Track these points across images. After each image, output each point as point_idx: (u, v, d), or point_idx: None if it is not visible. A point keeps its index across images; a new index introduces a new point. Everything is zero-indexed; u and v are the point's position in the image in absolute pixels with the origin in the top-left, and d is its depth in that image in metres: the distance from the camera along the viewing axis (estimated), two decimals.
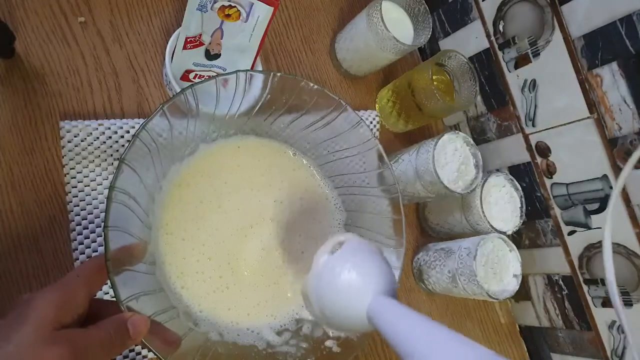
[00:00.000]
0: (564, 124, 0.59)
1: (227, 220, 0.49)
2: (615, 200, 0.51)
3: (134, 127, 0.51)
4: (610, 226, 0.50)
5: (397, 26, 0.61)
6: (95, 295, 0.36)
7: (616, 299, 0.49)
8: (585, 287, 0.61)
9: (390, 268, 0.37)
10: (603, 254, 0.50)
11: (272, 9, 0.51)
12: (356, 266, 0.36)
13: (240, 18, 0.52)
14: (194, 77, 0.54)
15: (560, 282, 0.64)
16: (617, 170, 0.55)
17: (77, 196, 0.48)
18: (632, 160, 0.49)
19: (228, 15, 0.51)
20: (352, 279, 0.35)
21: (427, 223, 0.70)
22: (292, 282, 0.50)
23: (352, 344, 0.45)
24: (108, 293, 0.48)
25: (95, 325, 0.33)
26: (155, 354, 0.35)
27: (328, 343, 0.45)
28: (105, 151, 0.49)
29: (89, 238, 0.48)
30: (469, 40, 0.69)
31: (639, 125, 0.52)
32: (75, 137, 0.48)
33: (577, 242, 0.62)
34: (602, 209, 0.58)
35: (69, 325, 0.32)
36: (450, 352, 0.28)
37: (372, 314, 0.33)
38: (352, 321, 0.35)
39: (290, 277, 0.50)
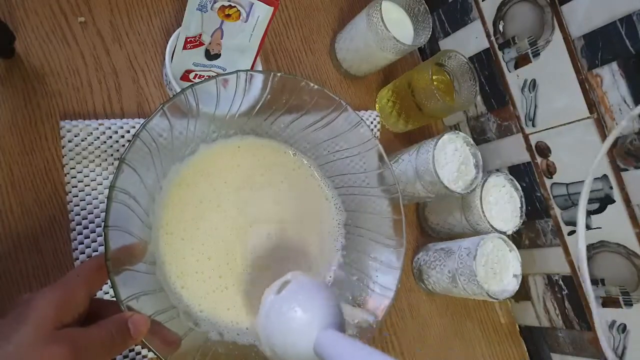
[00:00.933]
0: (564, 124, 0.59)
1: (226, 220, 0.49)
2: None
3: (134, 127, 0.51)
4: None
5: (397, 26, 0.61)
6: (96, 295, 0.36)
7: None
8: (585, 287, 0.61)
9: (336, 302, 0.39)
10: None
11: (272, 9, 0.51)
12: (301, 304, 0.37)
13: (240, 18, 0.52)
14: (194, 77, 0.54)
15: (560, 282, 0.64)
16: (617, 170, 0.55)
17: (77, 196, 0.48)
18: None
19: (228, 15, 0.51)
20: (297, 317, 0.37)
21: (427, 223, 0.70)
22: None
23: None
24: (108, 293, 0.48)
25: (96, 325, 0.32)
26: (155, 354, 0.35)
27: None
28: (105, 151, 0.49)
29: (89, 238, 0.48)
30: (469, 40, 0.69)
31: (639, 125, 0.52)
32: (75, 136, 0.48)
33: (577, 242, 0.61)
34: (602, 209, 0.58)
35: (69, 324, 0.32)
36: None
37: (318, 349, 0.35)
38: (301, 358, 0.36)
39: (288, 277, 0.50)
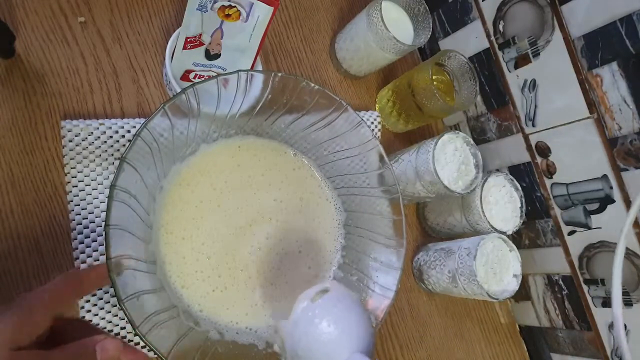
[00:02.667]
0: (564, 124, 0.60)
1: (226, 219, 0.49)
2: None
3: (134, 127, 0.51)
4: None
5: (397, 26, 0.61)
6: (64, 314, 0.36)
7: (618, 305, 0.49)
8: (585, 287, 0.61)
9: (370, 324, 0.36)
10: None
11: (272, 9, 0.51)
12: (336, 320, 0.35)
13: (240, 18, 0.52)
14: (194, 77, 0.54)
15: (560, 282, 0.64)
16: (617, 170, 0.55)
17: (77, 196, 0.48)
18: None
19: (228, 15, 0.51)
20: (331, 332, 0.34)
21: (427, 223, 0.70)
22: (289, 283, 0.50)
23: None
24: (108, 292, 0.48)
25: (59, 348, 0.32)
26: (155, 354, 0.35)
27: None
28: (106, 150, 0.49)
29: (89, 237, 0.48)
30: (469, 40, 0.69)
31: (639, 125, 0.52)
32: (76, 136, 0.48)
33: (577, 242, 0.62)
34: (602, 209, 0.58)
35: (26, 346, 0.31)
36: None
37: None
38: None
39: (286, 278, 0.50)
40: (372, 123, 0.69)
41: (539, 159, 0.64)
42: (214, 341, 0.43)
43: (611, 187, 0.56)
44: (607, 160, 0.56)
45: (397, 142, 0.71)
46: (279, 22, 0.66)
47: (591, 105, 0.56)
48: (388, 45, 0.59)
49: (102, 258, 0.48)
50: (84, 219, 0.48)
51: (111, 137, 0.50)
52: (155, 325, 0.37)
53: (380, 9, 0.57)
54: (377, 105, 0.70)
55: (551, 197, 0.63)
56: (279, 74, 0.45)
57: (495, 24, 0.65)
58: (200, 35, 0.51)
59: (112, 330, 0.48)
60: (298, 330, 0.36)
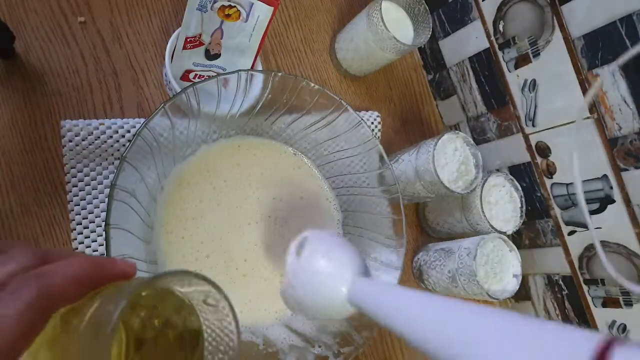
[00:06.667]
0: (564, 124, 0.60)
1: (225, 218, 0.49)
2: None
3: (134, 127, 0.51)
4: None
5: (397, 26, 0.61)
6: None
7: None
8: (585, 287, 0.61)
9: (355, 248, 0.37)
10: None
11: (272, 9, 0.51)
12: (325, 256, 0.36)
13: (240, 18, 0.52)
14: (194, 77, 0.54)
15: (560, 282, 0.64)
16: (617, 170, 0.55)
17: (77, 196, 0.48)
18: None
19: (228, 15, 0.51)
20: (326, 269, 0.35)
21: (427, 223, 0.70)
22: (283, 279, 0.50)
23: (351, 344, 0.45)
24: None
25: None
26: None
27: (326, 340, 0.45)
28: (106, 150, 0.49)
29: (89, 238, 0.48)
30: (469, 40, 0.69)
31: (639, 125, 0.52)
32: (76, 136, 0.48)
33: (577, 242, 0.62)
34: (602, 209, 0.58)
35: None
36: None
37: (354, 300, 0.33)
38: (334, 307, 0.35)
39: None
40: (372, 123, 0.69)
41: (539, 159, 0.64)
42: None
43: (611, 187, 0.56)
44: (607, 160, 0.56)
45: (397, 142, 0.71)
46: (279, 22, 0.66)
47: (591, 105, 0.56)
48: (388, 45, 0.59)
49: None
50: (83, 219, 0.48)
51: (111, 137, 0.50)
52: None
53: (380, 9, 0.57)
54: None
55: (551, 197, 0.63)
56: (279, 74, 0.45)
57: (495, 24, 0.65)
58: (200, 35, 0.51)
59: None
60: (298, 282, 0.36)
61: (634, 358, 0.17)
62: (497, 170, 0.70)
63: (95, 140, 0.49)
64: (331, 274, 0.35)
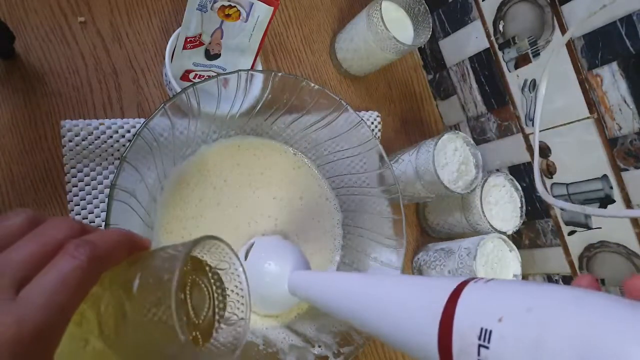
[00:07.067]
0: (564, 124, 0.59)
1: (224, 217, 0.49)
2: None
3: (134, 127, 0.51)
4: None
5: (397, 26, 0.61)
6: None
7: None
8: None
9: (296, 248, 0.46)
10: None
11: (272, 9, 0.51)
12: (270, 256, 0.44)
13: (240, 18, 0.52)
14: (194, 77, 0.54)
15: (560, 282, 0.64)
16: (617, 170, 0.55)
17: (77, 196, 0.48)
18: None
19: (228, 15, 0.51)
20: (271, 266, 0.43)
21: (427, 223, 0.70)
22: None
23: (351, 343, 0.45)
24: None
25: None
26: None
27: (325, 339, 0.45)
28: (106, 150, 0.49)
29: None
30: (469, 40, 0.69)
31: (639, 125, 0.52)
32: (76, 136, 0.48)
33: (577, 242, 0.62)
34: (602, 209, 0.58)
35: None
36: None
37: (292, 289, 0.41)
38: (281, 299, 0.43)
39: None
40: (372, 123, 0.69)
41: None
42: None
43: (611, 187, 0.56)
44: (607, 160, 0.56)
45: (397, 142, 0.71)
46: (279, 22, 0.66)
47: (591, 105, 0.56)
48: (388, 45, 0.59)
49: None
50: (84, 219, 0.48)
51: (111, 137, 0.50)
52: None
53: (380, 9, 0.57)
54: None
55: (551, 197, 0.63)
56: (279, 74, 0.45)
57: (495, 24, 0.65)
58: (200, 35, 0.51)
59: None
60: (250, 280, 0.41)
61: (480, 288, 0.22)
62: (497, 170, 0.70)
63: (95, 140, 0.49)
64: (273, 272, 0.43)
